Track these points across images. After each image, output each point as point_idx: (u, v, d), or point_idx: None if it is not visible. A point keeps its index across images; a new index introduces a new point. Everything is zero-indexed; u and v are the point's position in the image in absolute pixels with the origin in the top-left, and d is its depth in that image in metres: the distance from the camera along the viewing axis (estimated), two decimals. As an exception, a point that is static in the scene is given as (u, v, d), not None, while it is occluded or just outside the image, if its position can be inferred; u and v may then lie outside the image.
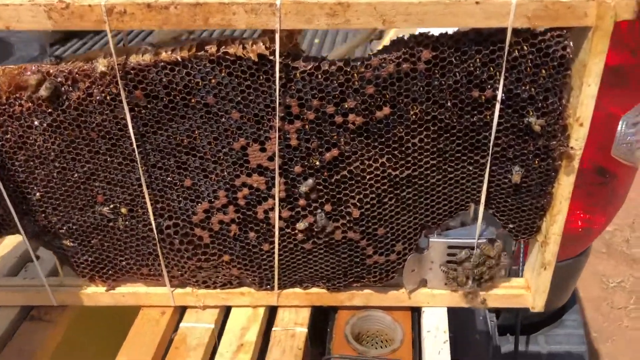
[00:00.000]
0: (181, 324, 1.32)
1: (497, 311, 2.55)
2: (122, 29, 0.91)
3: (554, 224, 1.22)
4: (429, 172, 1.18)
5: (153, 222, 1.21)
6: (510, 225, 1.26)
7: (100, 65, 0.99)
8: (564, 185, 1.17)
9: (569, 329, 2.68)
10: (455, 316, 2.52)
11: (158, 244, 1.23)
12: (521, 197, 1.21)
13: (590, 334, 3.46)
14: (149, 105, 1.08)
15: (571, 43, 1.01)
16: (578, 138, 1.11)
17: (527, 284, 1.37)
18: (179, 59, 1.02)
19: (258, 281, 1.32)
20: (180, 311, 1.30)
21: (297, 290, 1.35)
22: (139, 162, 1.13)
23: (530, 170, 1.17)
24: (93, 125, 1.05)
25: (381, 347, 1.36)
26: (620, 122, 2.17)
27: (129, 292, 1.26)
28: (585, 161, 2.34)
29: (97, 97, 1.01)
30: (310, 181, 1.17)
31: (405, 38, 1.02)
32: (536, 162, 1.15)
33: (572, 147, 1.12)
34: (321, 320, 1.37)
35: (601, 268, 3.85)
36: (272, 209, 1.20)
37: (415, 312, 1.37)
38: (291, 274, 1.32)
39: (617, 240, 4.03)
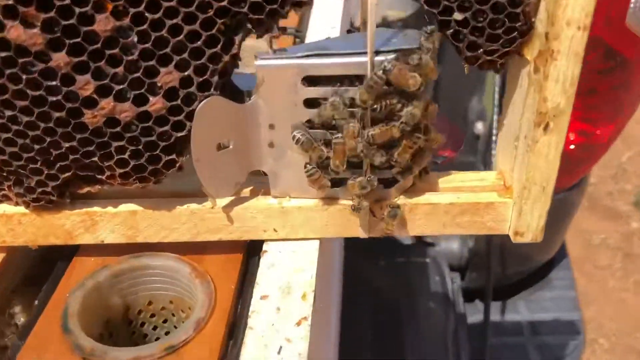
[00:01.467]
0: None
1: (462, 269, 1.81)
2: None
3: (575, -9, 0.44)
4: None
5: None
6: (457, 16, 0.48)
7: None
8: None
9: (558, 290, 1.96)
10: (397, 275, 1.77)
11: None
12: None
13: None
14: None
15: None
16: None
17: (504, 178, 0.59)
18: None
19: None
20: None
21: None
22: None
23: None
24: None
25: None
26: (640, -30, 1.39)
27: None
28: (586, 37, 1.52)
29: None
30: None
31: None
32: None
33: None
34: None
35: (583, 224, 3.21)
36: None
37: (255, 258, 0.58)
38: None
39: (599, 194, 3.40)
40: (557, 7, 0.46)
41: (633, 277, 2.90)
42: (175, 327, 0.62)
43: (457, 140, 0.73)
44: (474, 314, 1.73)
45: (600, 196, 3.41)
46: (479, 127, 1.63)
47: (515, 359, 1.81)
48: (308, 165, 0.53)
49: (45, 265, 0.62)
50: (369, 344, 1.50)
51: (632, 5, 1.44)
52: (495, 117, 1.38)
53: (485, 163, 1.56)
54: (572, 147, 1.61)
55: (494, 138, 1.35)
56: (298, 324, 0.49)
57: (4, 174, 0.53)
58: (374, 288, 1.58)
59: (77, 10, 0.44)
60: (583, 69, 1.56)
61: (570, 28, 0.47)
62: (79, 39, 0.45)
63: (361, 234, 0.58)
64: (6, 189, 0.55)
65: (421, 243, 1.65)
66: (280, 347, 0.47)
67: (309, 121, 0.52)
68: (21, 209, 0.56)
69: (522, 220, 0.56)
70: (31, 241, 0.58)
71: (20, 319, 0.62)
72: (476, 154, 1.58)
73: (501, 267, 1.76)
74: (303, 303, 0.52)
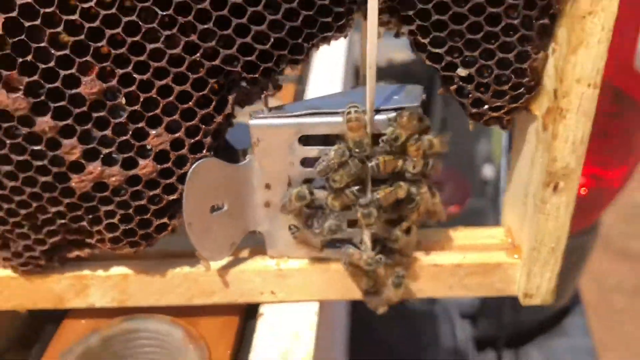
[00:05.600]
0: None
1: (473, 317, 1.76)
2: None
3: (581, 49, 0.42)
4: None
5: None
6: (461, 72, 0.46)
7: None
8: None
9: (573, 338, 1.90)
10: (405, 324, 1.72)
11: None
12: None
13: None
14: None
15: None
16: None
17: (511, 236, 0.56)
18: None
19: None
20: None
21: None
22: None
23: None
24: None
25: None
26: (646, 15, 1.38)
27: None
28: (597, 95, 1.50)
29: None
30: None
31: None
32: None
33: None
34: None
35: (597, 266, 3.12)
36: None
37: (251, 321, 0.56)
38: None
39: (613, 235, 3.31)
40: (566, 63, 0.44)
41: (651, 321, 2.81)
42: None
43: (462, 193, 0.71)
44: (487, 364, 1.68)
45: (613, 237, 3.33)
46: (488, 170, 1.60)
47: (530, 410, 1.75)
48: (292, 228, 0.51)
49: (35, 326, 0.60)
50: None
51: (638, 47, 1.43)
52: (503, 159, 1.34)
53: (495, 208, 1.53)
54: (583, 190, 1.58)
55: (502, 183, 1.31)
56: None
57: (-10, 237, 0.51)
58: (383, 337, 1.54)
59: (62, 73, 0.43)
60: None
61: (580, 85, 0.45)
62: (64, 102, 0.44)
63: (356, 297, 0.55)
64: (-7, 252, 0.53)
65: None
66: None
67: (307, 180, 0.50)
68: (9, 272, 0.54)
69: (532, 282, 0.53)
70: (20, 306, 0.56)
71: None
72: (485, 199, 1.55)
73: (513, 313, 1.71)
74: (301, 374, 0.49)
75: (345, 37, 0.46)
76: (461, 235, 0.57)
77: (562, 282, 1.86)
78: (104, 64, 0.43)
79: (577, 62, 0.44)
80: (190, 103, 0.45)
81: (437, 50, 0.46)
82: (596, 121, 1.54)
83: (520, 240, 0.55)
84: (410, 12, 0.45)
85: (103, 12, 0.42)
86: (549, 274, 0.53)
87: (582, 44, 0.43)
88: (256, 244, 0.55)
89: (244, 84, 0.47)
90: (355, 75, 1.01)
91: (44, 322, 0.59)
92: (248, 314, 0.58)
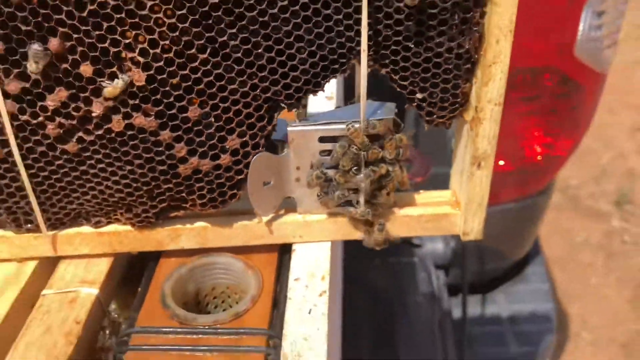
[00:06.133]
0: None
1: (446, 267, 2.08)
2: None
3: (490, 83, 0.71)
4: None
5: None
6: (418, 96, 0.75)
7: None
8: (505, 6, 0.66)
9: (533, 283, 2.22)
10: (389, 273, 2.04)
11: None
12: (430, 37, 0.70)
13: (556, 294, 3.05)
14: None
15: None
16: None
17: (455, 196, 0.86)
18: None
19: (11, 217, 0.78)
20: None
21: (85, 229, 0.82)
22: None
23: (440, -20, 0.65)
24: None
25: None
26: (584, 11, 1.67)
27: None
28: (542, 67, 1.82)
29: None
30: None
31: None
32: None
33: None
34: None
35: (566, 224, 3.41)
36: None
37: (287, 254, 0.85)
38: (64, 201, 0.78)
39: (581, 194, 3.60)
40: (482, 91, 0.73)
41: (614, 274, 3.08)
42: (230, 306, 0.88)
43: (425, 168, 1.01)
44: (458, 306, 1.99)
45: (582, 197, 3.63)
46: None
47: (495, 346, 2.06)
48: (318, 195, 0.81)
49: (141, 264, 0.88)
50: (365, 333, 1.75)
51: (578, 38, 1.74)
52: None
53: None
54: (539, 157, 1.90)
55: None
56: (320, 295, 0.76)
57: (119, 205, 0.80)
58: (370, 284, 1.84)
59: (177, 104, 0.72)
60: (545, 93, 1.88)
61: (490, 104, 0.74)
62: (177, 122, 0.72)
63: (357, 237, 0.85)
64: (118, 215, 0.82)
65: (409, 245, 1.92)
66: (310, 310, 0.74)
67: (323, 163, 0.79)
68: (127, 227, 0.83)
69: (467, 225, 0.83)
70: (133, 249, 0.85)
71: (116, 315, 0.88)
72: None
73: (480, 263, 2.03)
74: (322, 282, 0.78)
75: (346, 77, 0.75)
76: (423, 196, 0.86)
77: (521, 237, 2.22)
78: (202, 98, 0.72)
79: (487, 90, 0.73)
80: (253, 119, 0.74)
81: (403, 83, 0.75)
82: (547, 101, 1.89)
83: (460, 198, 0.84)
84: (386, 61, 0.73)
85: (203, 68, 0.70)
86: (478, 220, 0.83)
87: (490, 80, 0.72)
88: (289, 205, 0.84)
89: (284, 106, 0.75)
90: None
91: (147, 260, 0.88)
92: (283, 251, 0.87)
